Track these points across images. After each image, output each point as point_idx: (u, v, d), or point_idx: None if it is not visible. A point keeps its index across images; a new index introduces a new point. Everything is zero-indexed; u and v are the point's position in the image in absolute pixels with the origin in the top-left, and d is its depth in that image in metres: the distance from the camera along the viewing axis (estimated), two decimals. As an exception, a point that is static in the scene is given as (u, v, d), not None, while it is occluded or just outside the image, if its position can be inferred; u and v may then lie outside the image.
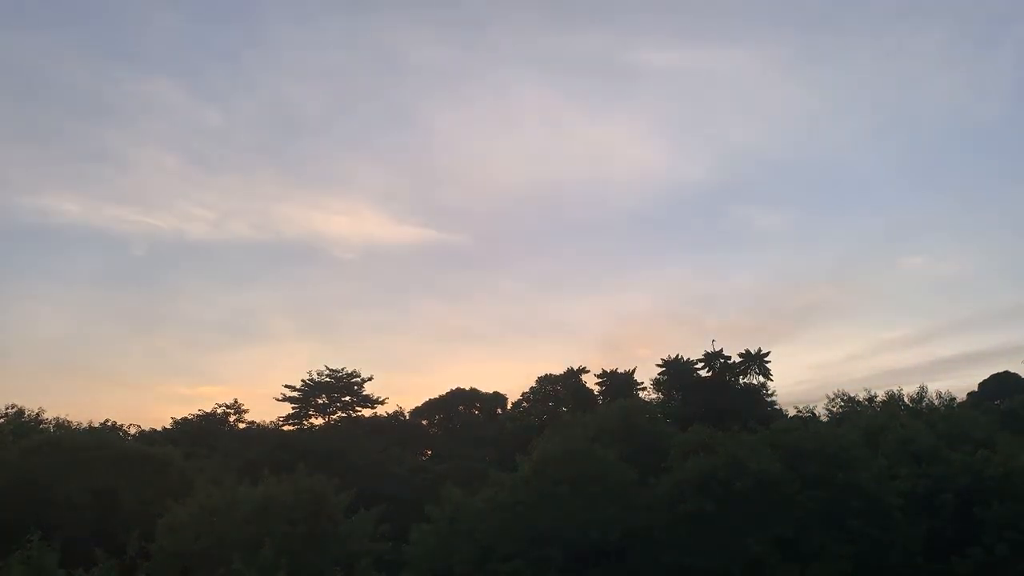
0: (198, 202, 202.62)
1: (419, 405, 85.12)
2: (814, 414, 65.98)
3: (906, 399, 64.41)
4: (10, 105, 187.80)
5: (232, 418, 78.85)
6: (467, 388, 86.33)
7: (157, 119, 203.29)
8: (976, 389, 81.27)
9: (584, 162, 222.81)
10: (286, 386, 68.10)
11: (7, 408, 65.75)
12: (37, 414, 67.21)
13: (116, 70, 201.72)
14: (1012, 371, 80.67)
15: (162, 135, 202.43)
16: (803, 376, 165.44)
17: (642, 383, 76.45)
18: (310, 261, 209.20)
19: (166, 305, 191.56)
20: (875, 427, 42.50)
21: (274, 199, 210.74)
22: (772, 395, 70.47)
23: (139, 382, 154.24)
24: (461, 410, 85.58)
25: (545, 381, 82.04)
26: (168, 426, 76.66)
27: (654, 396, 74.25)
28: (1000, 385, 78.65)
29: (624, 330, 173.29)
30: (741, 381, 71.21)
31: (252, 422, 77.68)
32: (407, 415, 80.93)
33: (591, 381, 79.27)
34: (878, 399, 67.61)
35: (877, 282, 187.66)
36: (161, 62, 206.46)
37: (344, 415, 68.65)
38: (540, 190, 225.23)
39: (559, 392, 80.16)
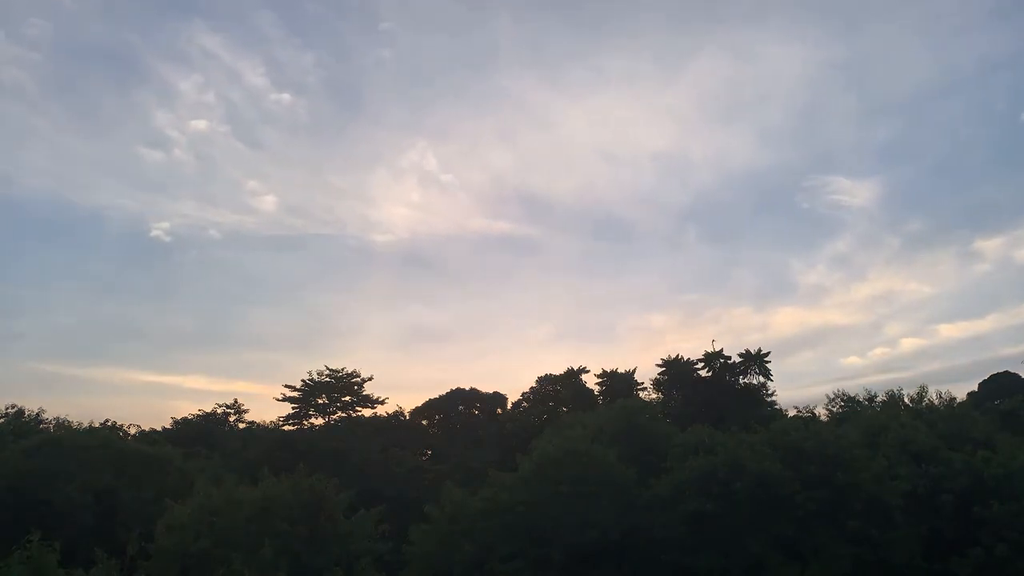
0: (258, 193, 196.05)
1: (419, 405, 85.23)
2: (814, 414, 66.01)
3: (906, 399, 64.33)
4: (68, 91, 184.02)
5: (232, 418, 79.00)
6: (467, 388, 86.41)
7: (209, 95, 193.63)
8: (976, 389, 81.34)
9: (663, 143, 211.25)
10: (286, 386, 68.06)
11: (7, 408, 66.08)
12: (37, 414, 67.56)
13: (170, 44, 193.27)
14: (1012, 371, 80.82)
15: (214, 112, 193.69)
16: (853, 372, 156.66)
17: (642, 383, 76.52)
18: (373, 254, 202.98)
19: (227, 300, 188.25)
20: (875, 427, 42.45)
21: (334, 190, 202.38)
22: (772, 395, 70.52)
23: (202, 377, 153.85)
24: (461, 410, 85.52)
25: (545, 381, 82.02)
26: (168, 426, 76.79)
27: (654, 396, 74.19)
28: (1000, 385, 78.67)
29: (683, 322, 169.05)
30: (741, 381, 71.16)
31: (252, 422, 77.83)
32: (407, 415, 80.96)
33: (591, 381, 79.36)
34: (878, 399, 67.61)
35: (948, 268, 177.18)
36: (217, 34, 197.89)
37: (344, 415, 68.53)
38: (616, 171, 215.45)
39: (559, 392, 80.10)
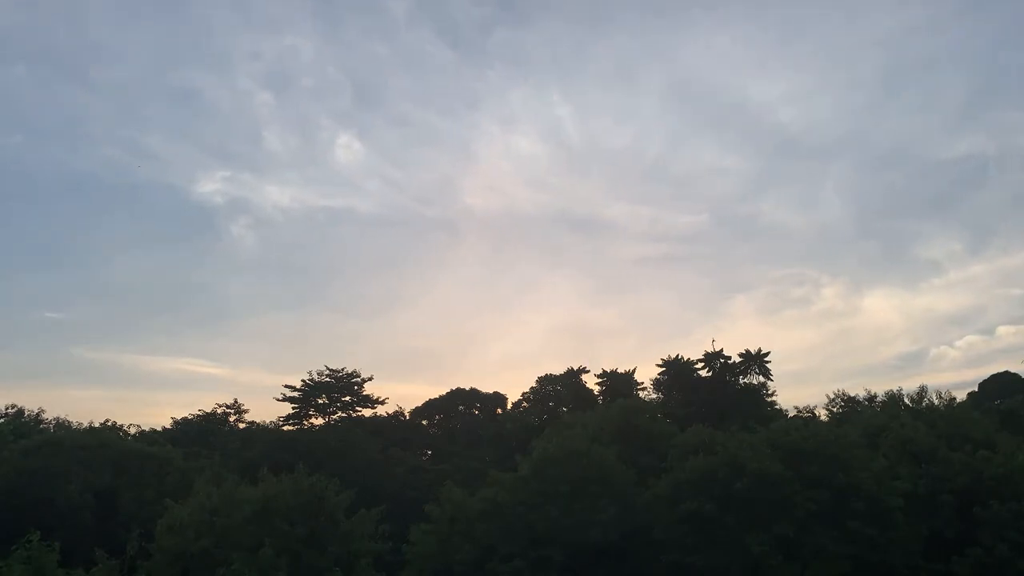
0: (337, 143, 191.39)
1: (419, 405, 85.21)
2: (814, 414, 66.06)
3: (906, 399, 64.34)
4: (169, 89, 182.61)
5: (232, 418, 78.95)
6: (467, 388, 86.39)
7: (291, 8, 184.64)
8: (976, 389, 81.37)
9: (839, 105, 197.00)
10: (286, 386, 67.98)
11: (7, 408, 66.18)
12: (37, 414, 67.67)
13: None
14: (1012, 371, 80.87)
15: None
16: (938, 366, 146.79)
17: (642, 383, 76.49)
18: (463, 228, 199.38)
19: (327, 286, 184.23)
20: (875, 427, 42.47)
21: (436, 166, 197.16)
22: (772, 395, 70.49)
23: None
24: (461, 410, 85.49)
25: (545, 381, 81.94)
26: (168, 426, 76.81)
27: (654, 396, 74.19)
28: (1000, 385, 78.68)
29: (763, 306, 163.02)
30: (741, 381, 71.14)
31: (252, 422, 77.80)
32: (407, 415, 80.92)
33: (591, 381, 79.32)
34: (878, 399, 67.60)
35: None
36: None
37: (344, 415, 68.46)
38: (766, 139, 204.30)
39: (559, 392, 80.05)
